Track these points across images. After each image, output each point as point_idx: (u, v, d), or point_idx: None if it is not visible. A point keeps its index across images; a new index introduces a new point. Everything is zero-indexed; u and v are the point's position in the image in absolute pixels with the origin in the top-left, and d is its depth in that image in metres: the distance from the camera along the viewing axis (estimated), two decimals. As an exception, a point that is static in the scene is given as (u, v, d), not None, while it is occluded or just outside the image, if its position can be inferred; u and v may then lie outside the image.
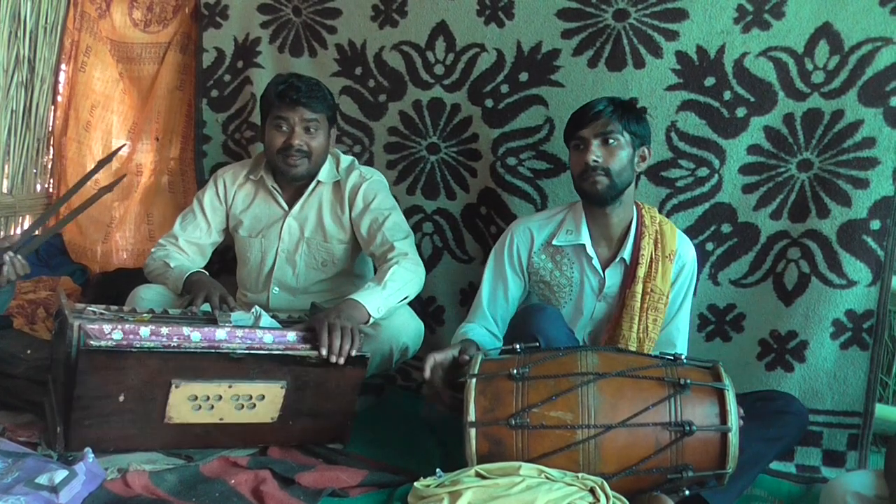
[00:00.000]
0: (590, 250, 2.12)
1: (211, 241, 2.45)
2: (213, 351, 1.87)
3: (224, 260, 2.71)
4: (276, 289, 2.41)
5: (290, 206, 2.40)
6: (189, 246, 2.40)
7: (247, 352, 1.89)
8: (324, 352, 1.89)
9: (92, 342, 1.75)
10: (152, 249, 2.41)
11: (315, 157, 2.31)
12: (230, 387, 1.89)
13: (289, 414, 1.97)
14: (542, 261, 2.17)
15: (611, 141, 2.03)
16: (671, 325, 2.14)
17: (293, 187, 2.40)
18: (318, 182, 2.38)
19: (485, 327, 2.17)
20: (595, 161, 2.02)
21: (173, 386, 1.83)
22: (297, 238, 2.39)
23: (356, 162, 2.46)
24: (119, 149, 2.66)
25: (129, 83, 3.11)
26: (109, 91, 3.13)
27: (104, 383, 1.78)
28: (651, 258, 2.09)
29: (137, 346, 1.80)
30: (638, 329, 2.08)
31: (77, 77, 3.15)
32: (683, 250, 2.14)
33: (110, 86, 3.13)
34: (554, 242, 2.15)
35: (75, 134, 3.17)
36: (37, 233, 2.32)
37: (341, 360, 1.91)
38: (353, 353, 1.93)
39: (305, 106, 2.26)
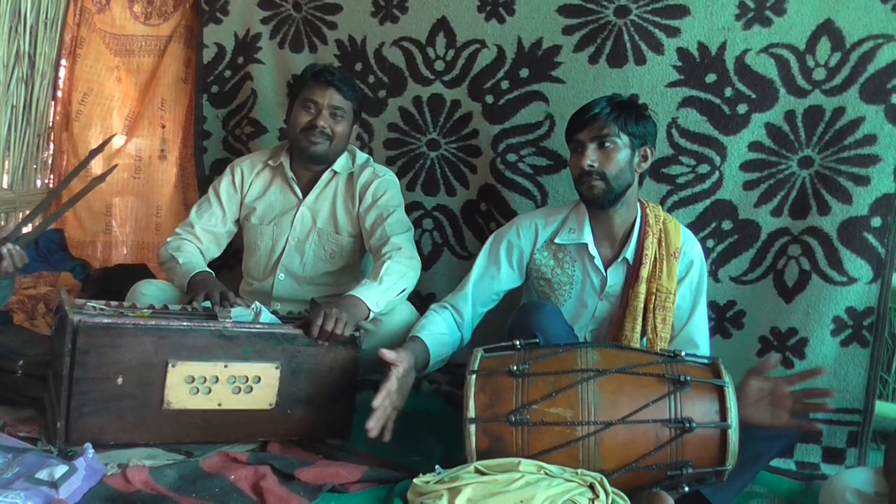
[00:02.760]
0: (592, 249, 2.11)
1: (226, 230, 2.48)
2: (207, 328, 1.90)
3: (224, 256, 2.70)
4: (283, 275, 2.43)
5: (305, 195, 2.42)
6: (205, 234, 2.42)
7: (240, 330, 1.92)
8: (314, 331, 1.94)
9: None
10: (168, 239, 2.43)
11: (336, 142, 2.35)
12: (226, 366, 1.91)
13: (286, 400, 1.98)
14: (545, 258, 2.17)
15: (607, 144, 2.01)
16: (689, 325, 2.11)
17: (309, 174, 2.43)
18: (334, 173, 2.41)
19: (453, 314, 2.15)
20: (590, 166, 2.01)
21: (170, 365, 1.86)
22: (310, 227, 2.42)
23: (371, 160, 2.49)
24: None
25: (126, 75, 3.10)
26: (102, 80, 3.11)
27: (102, 364, 1.80)
28: (655, 257, 2.08)
29: (133, 322, 1.83)
30: (644, 330, 2.07)
31: (72, 70, 3.14)
32: (688, 247, 2.13)
33: (104, 75, 3.10)
34: (556, 240, 2.15)
35: (68, 125, 3.16)
36: (30, 227, 2.31)
37: (324, 340, 1.96)
38: (338, 331, 1.95)
39: (337, 89, 2.31)
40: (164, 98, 3.05)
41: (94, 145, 3.08)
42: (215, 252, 2.46)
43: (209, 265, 2.37)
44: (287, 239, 2.41)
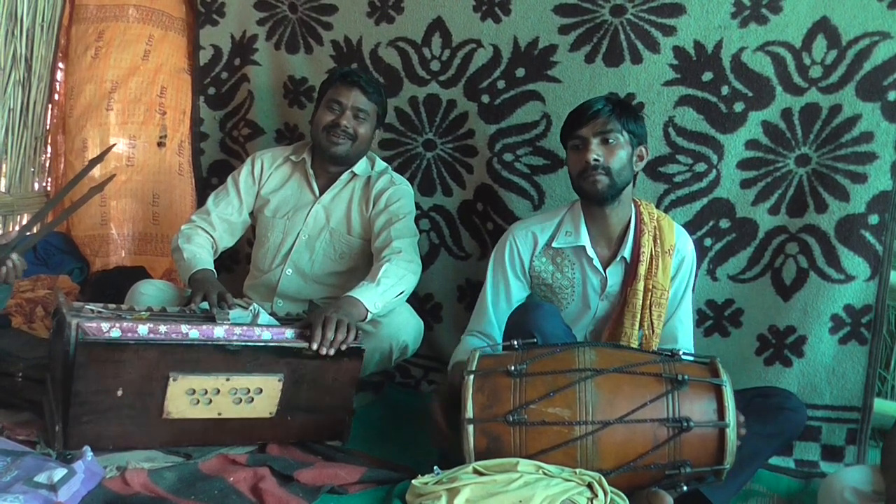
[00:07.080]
0: (590, 251, 2.11)
1: (242, 220, 2.49)
2: (209, 343, 1.88)
3: (220, 258, 2.70)
4: (290, 270, 2.44)
5: (322, 193, 2.45)
6: (220, 223, 2.44)
7: (243, 344, 1.90)
8: (314, 345, 1.91)
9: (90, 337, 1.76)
10: (182, 227, 2.43)
11: (357, 144, 2.38)
12: (228, 380, 1.89)
13: (286, 409, 1.97)
14: (544, 263, 2.16)
15: (610, 140, 2.03)
16: (673, 320, 2.13)
17: (329, 174, 2.45)
18: (353, 174, 2.44)
19: (486, 337, 2.17)
20: (595, 160, 2.01)
21: (171, 379, 1.84)
22: (322, 226, 2.44)
23: (390, 168, 2.52)
24: (109, 148, 2.65)
25: (108, 44, 3.01)
26: (87, 64, 3.05)
27: (102, 377, 1.79)
28: (651, 255, 2.09)
29: (134, 338, 1.81)
30: (641, 326, 2.08)
31: (68, 71, 3.12)
32: (682, 244, 2.14)
33: (88, 61, 3.05)
34: (554, 245, 2.15)
35: (64, 127, 3.12)
36: (32, 231, 2.31)
37: (331, 352, 1.92)
38: (344, 347, 1.94)
39: (362, 91, 2.36)
40: (165, 86, 3.04)
41: (91, 134, 3.06)
42: (229, 242, 2.48)
43: (223, 254, 2.36)
44: (298, 234, 2.43)
